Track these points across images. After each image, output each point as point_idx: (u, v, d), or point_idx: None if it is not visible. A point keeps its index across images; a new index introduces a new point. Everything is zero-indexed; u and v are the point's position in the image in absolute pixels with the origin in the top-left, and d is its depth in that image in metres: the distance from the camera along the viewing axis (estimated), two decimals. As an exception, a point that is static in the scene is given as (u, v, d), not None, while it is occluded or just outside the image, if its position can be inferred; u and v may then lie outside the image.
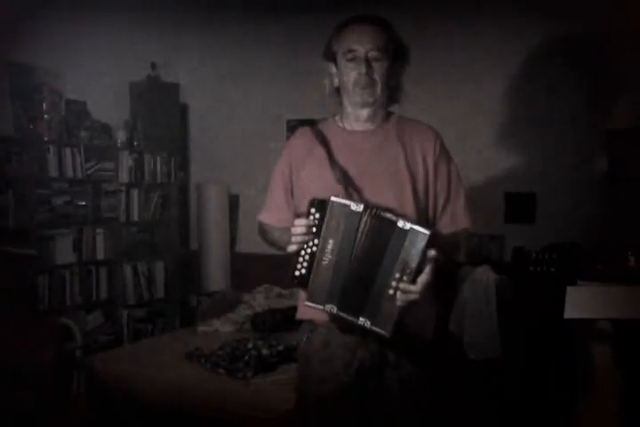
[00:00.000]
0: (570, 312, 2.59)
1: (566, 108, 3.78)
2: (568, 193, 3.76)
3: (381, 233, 1.54)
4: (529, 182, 3.86)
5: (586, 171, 3.73)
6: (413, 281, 1.51)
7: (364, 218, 1.55)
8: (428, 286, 1.52)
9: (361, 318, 1.54)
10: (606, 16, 3.49)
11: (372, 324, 1.54)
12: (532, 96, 3.87)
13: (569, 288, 2.66)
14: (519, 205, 3.88)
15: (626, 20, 3.44)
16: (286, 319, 3.67)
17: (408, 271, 1.51)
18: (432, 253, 1.51)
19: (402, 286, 1.51)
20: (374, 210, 1.55)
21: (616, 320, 2.66)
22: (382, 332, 1.53)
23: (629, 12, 3.36)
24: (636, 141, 3.53)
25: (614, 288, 2.67)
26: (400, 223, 1.51)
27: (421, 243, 1.49)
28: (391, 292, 1.52)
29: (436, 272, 1.53)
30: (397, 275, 1.51)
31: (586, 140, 3.73)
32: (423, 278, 1.51)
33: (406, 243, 1.50)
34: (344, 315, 1.57)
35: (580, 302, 2.60)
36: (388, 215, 1.54)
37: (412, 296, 1.51)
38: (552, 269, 3.33)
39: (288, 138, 4.33)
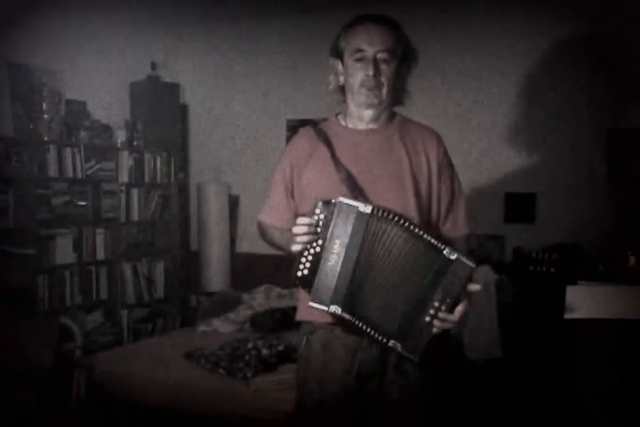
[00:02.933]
0: (570, 312, 2.59)
1: (566, 108, 3.77)
2: (568, 193, 3.76)
3: (421, 255, 1.53)
4: (529, 182, 3.85)
5: (586, 171, 3.73)
6: (451, 311, 1.53)
7: (372, 220, 1.54)
8: (464, 316, 1.54)
9: (392, 341, 1.55)
10: (609, 16, 3.49)
11: (402, 348, 1.55)
12: (532, 96, 3.87)
13: (569, 288, 2.66)
14: (519, 205, 3.88)
15: (630, 20, 3.44)
16: (286, 319, 3.67)
17: (448, 301, 1.52)
18: (475, 286, 1.54)
19: (442, 315, 1.53)
20: (385, 213, 1.54)
21: (616, 320, 2.66)
22: (411, 357, 1.55)
23: (635, 11, 3.36)
24: (636, 141, 3.52)
25: (614, 288, 2.67)
26: (446, 251, 1.51)
27: (466, 275, 1.50)
28: (428, 319, 1.53)
29: None
30: (437, 304, 1.52)
31: (586, 141, 3.73)
32: (461, 309, 1.54)
33: (450, 273, 1.51)
34: (349, 317, 1.56)
35: (580, 302, 2.60)
36: (431, 239, 1.53)
37: (449, 325, 1.53)
38: (552, 270, 3.33)
39: (288, 138, 4.32)
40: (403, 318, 1.54)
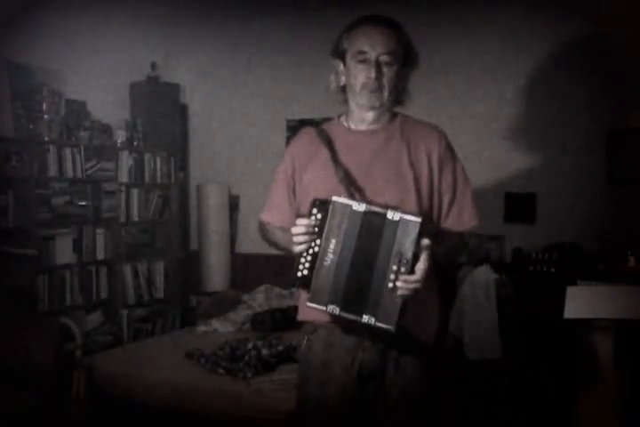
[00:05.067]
0: (570, 312, 2.59)
1: (567, 108, 3.77)
2: (568, 193, 3.76)
3: (374, 227, 1.53)
4: (529, 182, 3.85)
5: (586, 171, 3.73)
6: (412, 271, 1.50)
7: (367, 217, 1.54)
8: (428, 274, 1.50)
9: (364, 316, 1.53)
10: (610, 16, 3.49)
11: (376, 320, 1.52)
12: (532, 96, 3.87)
13: (569, 288, 2.66)
14: (519, 205, 3.88)
15: (630, 21, 3.44)
16: (286, 319, 3.67)
17: (405, 262, 1.49)
18: (426, 241, 1.50)
19: (401, 277, 1.49)
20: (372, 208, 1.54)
21: (616, 320, 2.66)
22: (387, 326, 1.51)
23: (635, 11, 3.36)
24: (636, 142, 3.53)
25: (614, 288, 2.67)
26: (389, 214, 1.51)
27: (414, 231, 1.48)
28: (391, 285, 1.50)
29: (437, 270, 1.52)
30: (394, 267, 1.50)
31: (586, 141, 3.73)
32: (420, 266, 1.50)
33: (398, 234, 1.50)
34: (347, 315, 1.56)
35: (580, 302, 2.60)
36: (377, 208, 1.53)
37: (413, 285, 1.50)
38: (552, 270, 3.33)
39: (288, 138, 4.32)
40: (370, 291, 1.53)
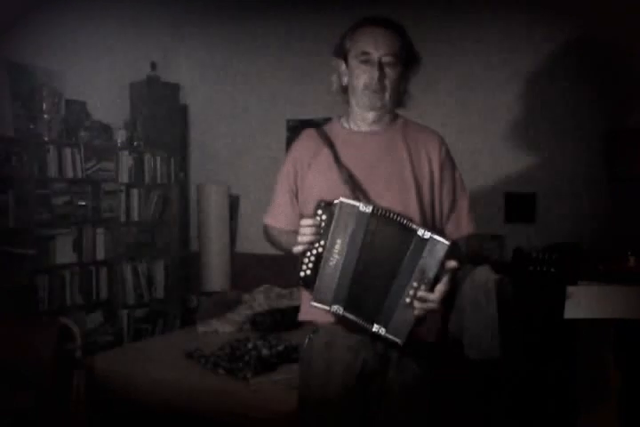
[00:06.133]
0: (570, 312, 2.59)
1: (566, 108, 3.77)
2: (568, 193, 3.76)
3: (398, 239, 1.54)
4: (529, 182, 3.85)
5: (586, 171, 3.73)
6: (431, 290, 1.52)
7: (373, 219, 1.55)
8: (446, 296, 1.53)
9: (375, 326, 1.55)
10: (609, 17, 3.49)
11: (386, 331, 1.55)
12: (532, 97, 3.87)
13: (569, 288, 2.66)
14: (519, 205, 3.88)
15: (629, 21, 3.44)
16: (286, 319, 3.67)
17: (426, 281, 1.51)
18: (452, 263, 1.53)
19: (420, 294, 1.52)
20: (385, 212, 1.55)
21: (616, 320, 2.66)
22: (396, 339, 1.55)
23: (634, 12, 3.36)
24: (635, 142, 3.52)
25: (614, 288, 2.67)
26: (420, 232, 1.51)
27: (441, 252, 1.50)
28: (408, 300, 1.52)
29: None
30: (415, 284, 1.52)
31: (586, 140, 3.73)
32: (441, 288, 1.53)
33: (425, 252, 1.51)
34: (351, 316, 1.57)
35: (580, 302, 2.60)
36: (407, 222, 1.54)
37: (430, 305, 1.52)
38: (552, 270, 3.33)
39: (288, 138, 4.32)
40: (385, 303, 1.55)
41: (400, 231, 1.54)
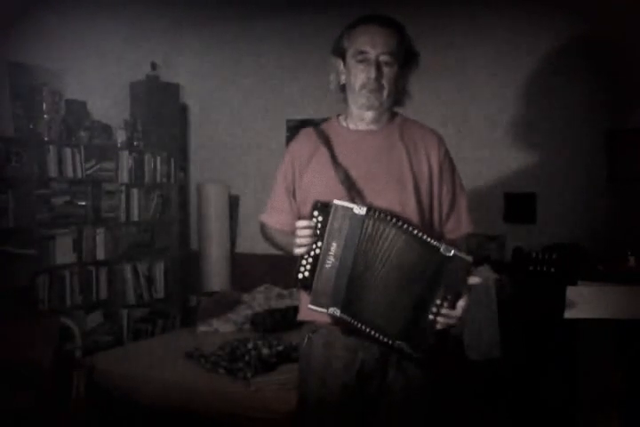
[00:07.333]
0: (570, 312, 2.59)
1: (566, 108, 3.77)
2: (568, 193, 3.76)
3: (418, 255, 1.53)
4: (529, 182, 3.86)
5: (586, 171, 3.73)
6: (453, 306, 1.53)
7: (369, 221, 1.54)
8: (467, 312, 1.54)
9: (397, 342, 1.55)
10: (609, 17, 3.49)
11: (408, 347, 1.55)
12: (532, 97, 3.87)
13: (569, 288, 2.66)
14: (519, 205, 3.88)
15: (630, 21, 3.44)
16: (286, 319, 3.67)
17: (449, 298, 1.52)
18: (475, 279, 1.54)
19: (444, 311, 1.52)
20: (381, 214, 1.54)
21: (616, 320, 2.66)
22: (416, 355, 1.56)
23: (634, 12, 3.36)
24: (635, 142, 3.52)
25: (614, 288, 2.67)
26: (443, 249, 1.51)
27: (464, 270, 1.51)
28: (431, 317, 1.53)
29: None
30: (439, 301, 1.52)
31: (586, 141, 3.73)
32: (463, 304, 1.53)
33: (448, 269, 1.51)
34: (349, 319, 1.57)
35: (579, 302, 2.60)
36: (427, 238, 1.52)
37: (452, 321, 1.53)
38: (552, 269, 3.33)
39: (288, 138, 4.31)
40: (406, 319, 1.54)
41: (409, 239, 1.53)
